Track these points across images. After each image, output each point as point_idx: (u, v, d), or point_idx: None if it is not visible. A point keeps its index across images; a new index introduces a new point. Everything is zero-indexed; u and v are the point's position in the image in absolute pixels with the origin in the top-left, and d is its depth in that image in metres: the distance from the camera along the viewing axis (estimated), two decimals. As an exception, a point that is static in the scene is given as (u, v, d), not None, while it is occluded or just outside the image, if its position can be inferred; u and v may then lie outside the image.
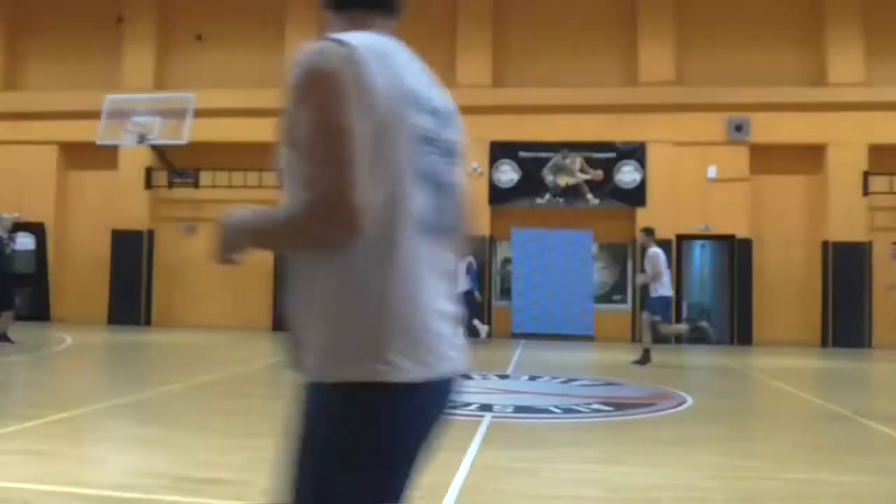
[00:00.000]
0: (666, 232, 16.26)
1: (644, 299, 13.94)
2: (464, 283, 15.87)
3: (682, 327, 14.63)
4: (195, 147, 17.17)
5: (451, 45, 18.35)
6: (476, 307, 16.28)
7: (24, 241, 18.58)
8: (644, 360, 12.25)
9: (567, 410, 7.78)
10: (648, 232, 12.90)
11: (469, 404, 7.97)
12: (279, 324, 17.72)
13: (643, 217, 17.04)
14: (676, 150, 17.56)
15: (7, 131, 19.37)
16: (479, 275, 17.07)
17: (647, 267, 12.62)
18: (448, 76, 18.31)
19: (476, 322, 16.12)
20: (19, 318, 17.72)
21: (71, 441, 5.92)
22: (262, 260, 17.97)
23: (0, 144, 19.42)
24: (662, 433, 6.85)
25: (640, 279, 13.49)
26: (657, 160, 17.58)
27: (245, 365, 11.61)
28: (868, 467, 5.62)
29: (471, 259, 16.21)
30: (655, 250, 12.55)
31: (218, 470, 5.11)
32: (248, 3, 19.35)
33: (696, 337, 13.87)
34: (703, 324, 13.31)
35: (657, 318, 12.48)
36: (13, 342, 12.76)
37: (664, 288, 12.49)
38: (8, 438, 5.82)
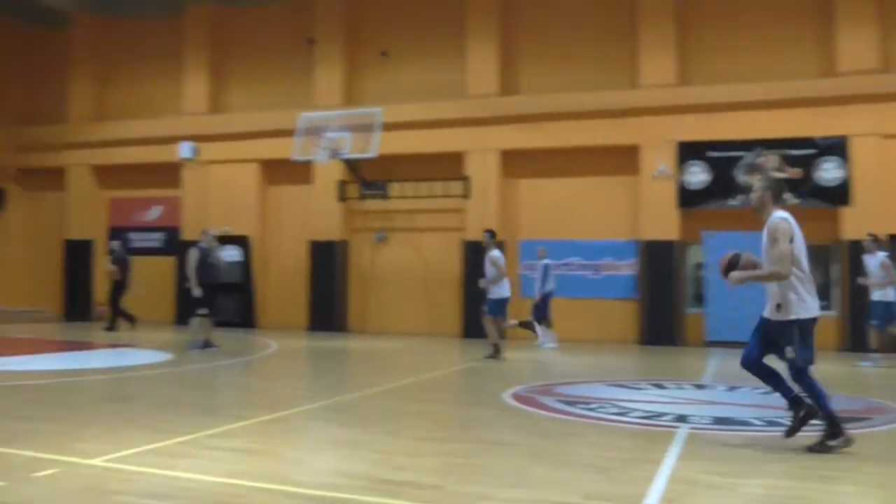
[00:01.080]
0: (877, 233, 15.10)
1: (873, 306, 13.16)
2: (548, 284, 16.17)
3: None
4: (384, 159, 17.77)
5: (633, 44, 17.97)
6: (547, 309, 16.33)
7: (232, 253, 19.98)
8: None
9: (770, 423, 7.36)
10: (875, 237, 13.10)
11: (663, 415, 7.74)
12: (469, 330, 18.01)
13: (849, 217, 15.93)
14: (885, 144, 16.26)
15: (216, 151, 20.93)
16: (669, 279, 16.80)
17: (882, 272, 12.76)
18: (630, 77, 17.96)
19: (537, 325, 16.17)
20: (229, 325, 19.08)
21: (278, 441, 6.27)
22: (452, 272, 18.36)
23: (210, 164, 20.99)
24: (877, 450, 6.34)
25: (871, 282, 13.13)
26: (862, 155, 16.33)
27: (436, 371, 11.87)
28: None
29: (546, 261, 16.31)
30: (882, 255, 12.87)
31: (412, 473, 5.24)
32: (430, 18, 19.85)
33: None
34: None
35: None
36: (217, 347, 13.74)
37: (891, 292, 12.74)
38: (222, 437, 6.25)
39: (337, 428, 6.95)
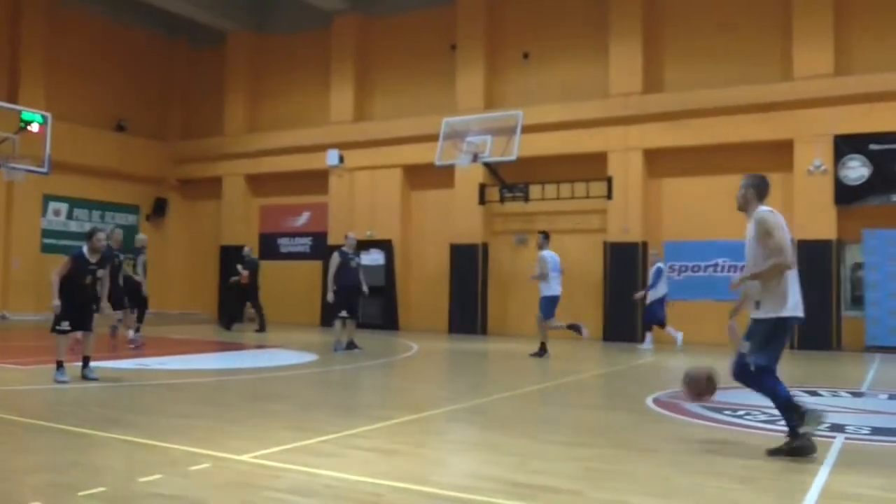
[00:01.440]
0: None
1: None
2: (661, 288, 16.07)
3: None
4: (524, 162, 17.73)
5: (785, 35, 17.13)
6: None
7: (375, 257, 20.47)
8: None
9: (937, 434, 6.83)
10: None
11: (817, 423, 7.31)
12: (611, 333, 17.69)
13: None
14: None
15: (360, 158, 21.52)
16: (825, 280, 15.95)
17: None
18: (782, 69, 17.13)
19: (670, 329, 16.10)
20: (372, 327, 19.54)
21: (418, 442, 6.34)
22: (593, 274, 18.09)
23: (356, 170, 21.60)
24: None
25: None
26: None
27: (575, 374, 11.71)
28: None
29: (659, 265, 16.15)
30: None
31: (549, 477, 5.17)
32: (571, 19, 19.66)
33: None
34: None
35: None
36: (360, 348, 14.07)
37: None
38: (363, 437, 6.38)
39: (475, 430, 6.96)
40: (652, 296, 16.24)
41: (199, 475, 5.04)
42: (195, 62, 26.22)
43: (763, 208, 5.98)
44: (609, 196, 18.15)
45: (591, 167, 18.47)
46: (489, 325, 19.79)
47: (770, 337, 5.79)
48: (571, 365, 13.22)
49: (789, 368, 13.25)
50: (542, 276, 14.05)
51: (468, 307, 19.91)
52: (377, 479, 4.96)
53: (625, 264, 17.80)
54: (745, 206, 6.12)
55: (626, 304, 17.54)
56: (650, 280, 16.36)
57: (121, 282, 13.06)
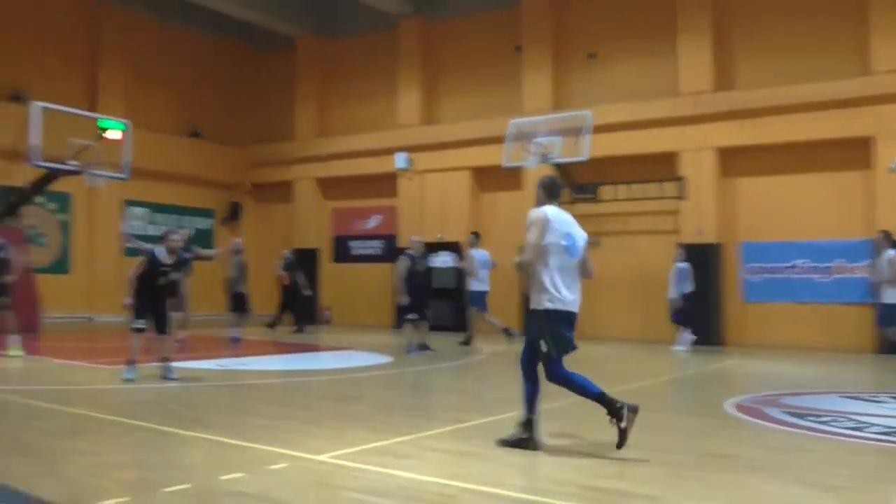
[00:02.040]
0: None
1: None
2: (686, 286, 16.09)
3: None
4: (594, 162, 17.57)
5: (863, 27, 16.57)
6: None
7: (445, 259, 20.55)
8: None
9: None
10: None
11: (904, 429, 7.09)
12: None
13: None
14: None
15: (429, 160, 21.64)
16: None
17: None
18: (861, 63, 16.61)
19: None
20: (444, 329, 19.61)
21: (492, 445, 6.34)
22: (667, 275, 17.82)
23: (425, 173, 21.73)
24: None
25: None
26: None
27: (652, 378, 11.57)
28: None
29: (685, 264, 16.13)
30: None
31: (626, 482, 5.12)
32: (639, 17, 19.41)
33: None
34: None
35: None
36: (432, 350, 14.15)
37: None
38: (438, 438, 6.43)
39: (549, 434, 6.94)
40: (674, 294, 16.26)
41: (279, 474, 5.15)
42: (265, 67, 26.72)
43: (544, 207, 6.28)
44: (682, 196, 17.86)
45: (663, 167, 18.20)
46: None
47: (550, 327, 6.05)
48: (644, 368, 13.06)
49: (876, 374, 12.86)
50: (471, 273, 15.73)
51: (538, 309, 19.76)
52: (451, 481, 4.99)
53: (699, 266, 17.48)
54: (537, 205, 6.44)
55: (701, 307, 17.22)
56: (675, 278, 16.27)
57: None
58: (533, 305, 6.16)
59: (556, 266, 6.15)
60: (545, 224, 6.16)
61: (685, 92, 18.23)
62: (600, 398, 6.05)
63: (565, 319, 6.12)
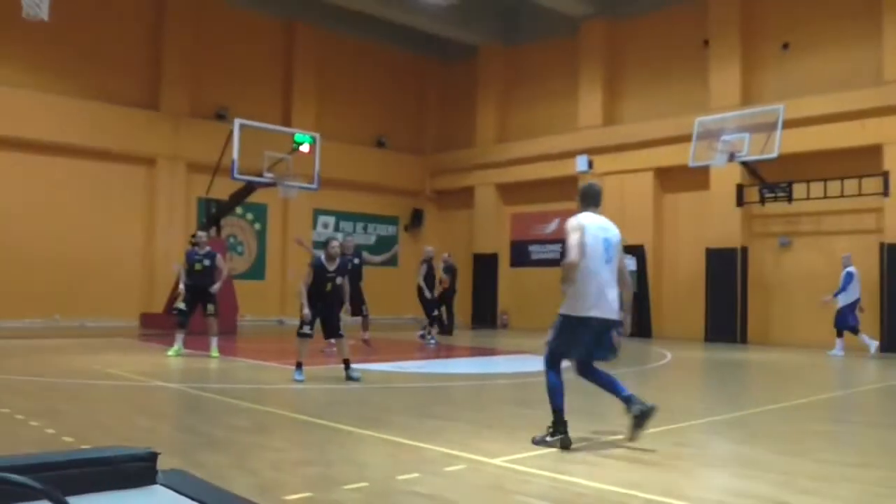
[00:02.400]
0: None
1: None
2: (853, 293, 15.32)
3: None
4: (786, 159, 16.62)
5: None
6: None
7: (627, 263, 20.03)
8: None
9: None
10: None
11: None
12: (891, 343, 16.13)
13: None
14: None
15: (610, 162, 21.29)
16: None
17: None
18: None
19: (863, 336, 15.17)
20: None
21: (671, 453, 6.10)
22: (869, 277, 16.57)
23: (605, 175, 21.38)
24: None
25: None
26: None
27: (849, 388, 10.78)
28: None
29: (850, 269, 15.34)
30: None
31: (819, 498, 4.76)
32: (836, 2, 18.16)
33: None
34: None
35: None
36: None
37: None
38: (613, 445, 6.26)
39: (734, 444, 6.59)
40: (843, 300, 15.51)
41: (454, 476, 5.18)
42: (448, 76, 27.28)
43: (579, 216, 6.32)
44: (886, 193, 16.50)
45: (864, 162, 16.90)
46: (749, 333, 18.70)
47: (561, 330, 6.20)
48: (844, 377, 12.17)
49: None
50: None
51: (726, 314, 18.95)
52: (629, 490, 4.83)
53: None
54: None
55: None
56: (840, 284, 15.58)
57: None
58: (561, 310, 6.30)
59: (588, 270, 6.11)
60: (582, 231, 6.16)
61: (891, 80, 16.83)
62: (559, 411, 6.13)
63: (583, 324, 6.09)
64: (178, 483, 1.89)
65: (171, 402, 8.59)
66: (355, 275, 13.73)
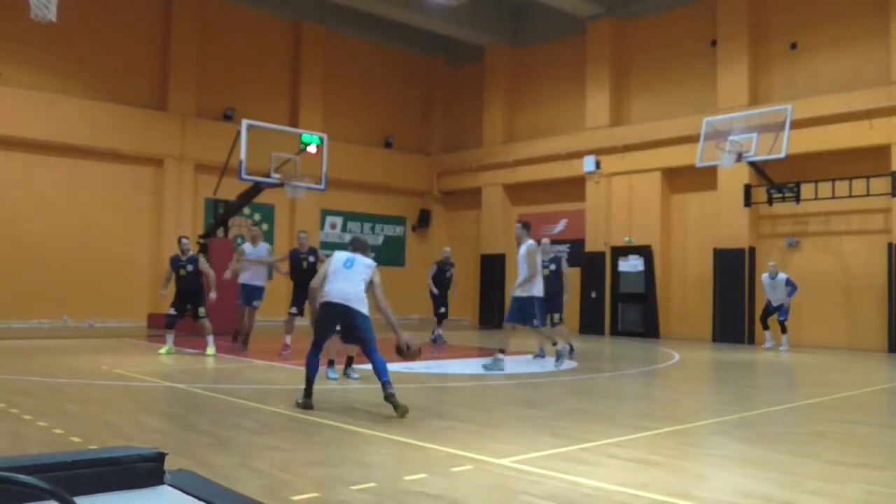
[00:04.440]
0: None
1: None
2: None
3: None
4: (794, 160, 16.59)
5: None
6: None
7: (634, 263, 20.08)
8: None
9: None
10: None
11: None
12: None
13: None
14: None
15: (617, 163, 21.26)
16: None
17: None
18: None
19: None
20: (633, 334, 19.17)
21: (679, 454, 6.09)
22: (876, 279, 16.53)
23: (613, 175, 21.36)
24: None
25: None
26: None
27: (856, 388, 10.72)
28: None
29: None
30: None
31: (826, 499, 4.74)
32: (845, 2, 18.09)
33: None
34: None
35: None
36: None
37: None
38: (622, 446, 6.25)
39: (741, 445, 6.57)
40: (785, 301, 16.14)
41: (461, 476, 5.18)
42: (455, 77, 27.28)
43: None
44: (894, 193, 16.45)
45: (872, 162, 16.85)
46: (757, 333, 18.65)
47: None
48: (851, 378, 12.13)
49: None
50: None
51: (734, 315, 18.91)
52: (636, 491, 4.82)
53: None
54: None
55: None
56: (788, 290, 16.07)
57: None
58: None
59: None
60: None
61: (898, 79, 16.81)
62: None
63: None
64: (186, 483, 1.89)
65: (179, 402, 8.61)
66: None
